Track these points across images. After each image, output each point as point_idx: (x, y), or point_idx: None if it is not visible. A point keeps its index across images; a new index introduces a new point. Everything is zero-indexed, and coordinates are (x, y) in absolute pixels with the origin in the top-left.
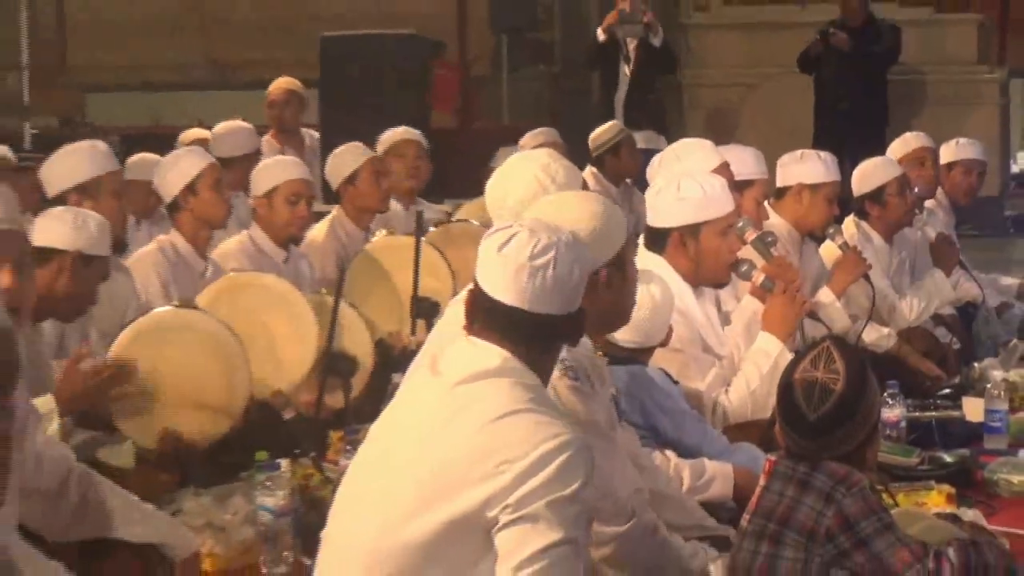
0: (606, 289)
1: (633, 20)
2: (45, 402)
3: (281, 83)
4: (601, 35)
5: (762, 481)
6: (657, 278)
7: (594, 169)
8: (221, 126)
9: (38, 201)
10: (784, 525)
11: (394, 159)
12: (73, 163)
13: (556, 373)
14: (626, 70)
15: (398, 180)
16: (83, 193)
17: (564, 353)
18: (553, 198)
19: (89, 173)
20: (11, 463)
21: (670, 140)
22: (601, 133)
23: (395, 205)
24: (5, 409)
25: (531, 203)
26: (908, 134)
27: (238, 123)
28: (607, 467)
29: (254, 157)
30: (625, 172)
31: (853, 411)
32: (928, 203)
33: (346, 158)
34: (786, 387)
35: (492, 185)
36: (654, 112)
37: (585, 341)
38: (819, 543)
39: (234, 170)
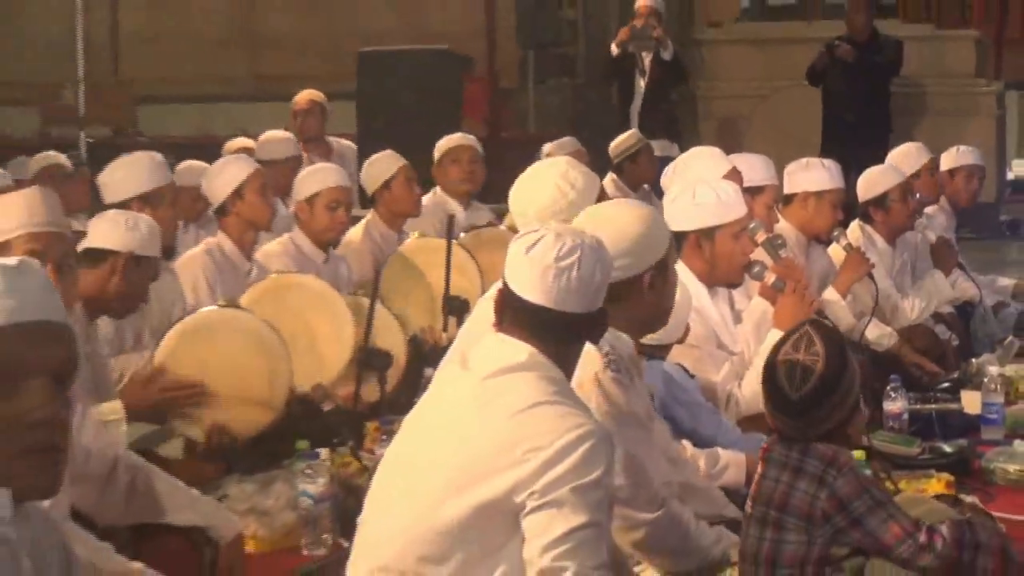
0: (649, 291)
1: (644, 35)
2: (113, 408)
3: (305, 94)
4: (615, 49)
5: (759, 468)
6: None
7: (614, 176)
8: (265, 134)
9: (90, 202)
10: (783, 511)
11: (450, 163)
12: (135, 174)
13: (600, 365)
14: (641, 83)
15: (455, 183)
16: (144, 202)
17: (607, 347)
18: (604, 205)
19: (151, 184)
20: (68, 451)
21: (683, 148)
22: (621, 142)
23: (454, 206)
24: (67, 399)
25: (552, 207)
26: (910, 145)
27: (280, 131)
28: (643, 455)
29: (293, 162)
30: (643, 178)
31: (833, 389)
32: (928, 208)
33: (381, 165)
34: (770, 370)
35: (515, 191)
36: (667, 122)
37: (627, 338)
38: (818, 525)
39: (274, 173)
